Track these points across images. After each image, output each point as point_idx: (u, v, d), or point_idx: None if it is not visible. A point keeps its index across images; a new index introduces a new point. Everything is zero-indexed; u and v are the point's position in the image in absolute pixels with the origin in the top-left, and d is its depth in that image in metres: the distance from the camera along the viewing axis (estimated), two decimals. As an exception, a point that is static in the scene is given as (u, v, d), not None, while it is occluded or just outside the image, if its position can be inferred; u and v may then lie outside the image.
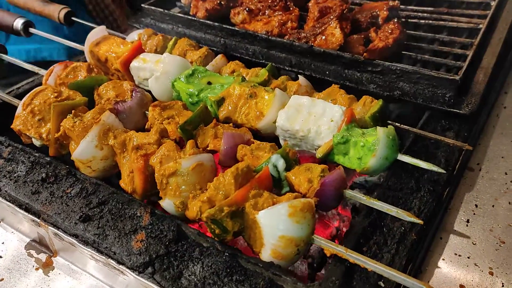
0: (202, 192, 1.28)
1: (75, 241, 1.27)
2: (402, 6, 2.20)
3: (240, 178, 1.23)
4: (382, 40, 1.80)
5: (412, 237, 1.21)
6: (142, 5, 2.28)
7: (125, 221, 1.27)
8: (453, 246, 1.36)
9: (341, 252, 1.12)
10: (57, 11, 2.31)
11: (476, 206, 1.49)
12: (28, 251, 1.43)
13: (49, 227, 1.31)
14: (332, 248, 1.14)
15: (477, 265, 1.31)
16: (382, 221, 1.26)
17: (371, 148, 1.38)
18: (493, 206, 1.48)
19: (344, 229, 1.68)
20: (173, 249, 1.20)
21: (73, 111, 1.50)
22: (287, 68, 1.90)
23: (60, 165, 1.46)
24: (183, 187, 1.28)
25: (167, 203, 1.30)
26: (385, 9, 2.00)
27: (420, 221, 1.19)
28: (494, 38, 2.00)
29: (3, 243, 1.46)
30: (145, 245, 1.21)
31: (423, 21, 2.14)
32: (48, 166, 1.47)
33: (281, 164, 1.34)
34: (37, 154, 1.51)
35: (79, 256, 1.33)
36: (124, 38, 2.15)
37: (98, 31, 1.99)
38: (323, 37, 1.90)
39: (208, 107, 1.64)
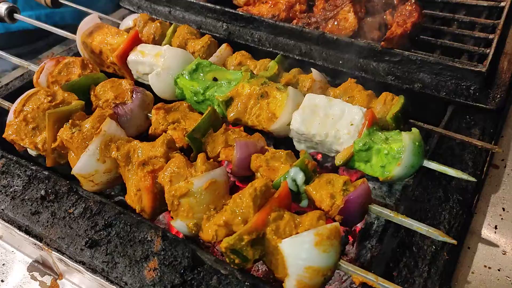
0: (216, 212, 1.18)
1: (82, 268, 1.18)
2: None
3: (258, 199, 1.13)
4: (399, 26, 1.66)
5: (445, 257, 1.14)
6: (135, -15, 2.10)
7: (135, 246, 1.18)
8: (482, 256, 1.29)
9: (371, 281, 1.05)
10: (43, -7, 2.13)
11: (504, 209, 1.41)
12: (31, 274, 1.35)
13: (53, 252, 1.22)
14: (362, 276, 1.06)
15: (509, 278, 1.24)
16: (411, 238, 1.18)
17: (396, 156, 1.28)
18: (521, 209, 1.40)
19: (359, 225, 1.61)
20: (189, 278, 1.12)
21: (70, 120, 1.38)
22: (297, 57, 1.77)
23: (60, 180, 1.35)
24: (196, 208, 1.18)
25: (180, 224, 1.20)
26: (400, -13, 1.85)
27: (453, 241, 1.11)
28: (517, 17, 1.86)
29: (3, 264, 1.38)
30: (159, 274, 1.12)
31: (440, -2, 1.99)
32: (47, 181, 1.36)
33: (300, 178, 1.24)
34: (33, 168, 1.40)
35: (87, 280, 1.24)
36: (118, 24, 1.99)
37: (90, 20, 1.83)
38: (335, 22, 1.76)
39: (215, 107, 1.52)
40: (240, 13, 1.87)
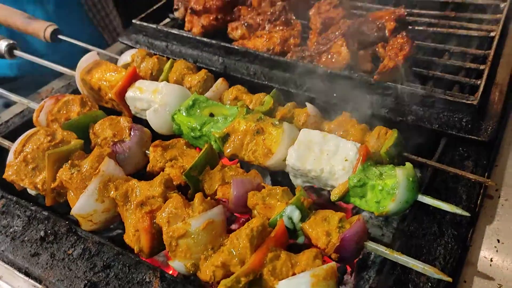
0: (214, 251, 1.20)
1: (81, 311, 1.19)
2: (407, 10, 2.08)
3: (255, 240, 1.15)
4: (391, 59, 1.70)
5: (440, 295, 1.15)
6: (133, 20, 2.14)
7: (134, 288, 1.19)
8: (478, 291, 1.30)
9: (368, 321, 1.06)
10: (43, 30, 2.17)
11: (499, 241, 1.42)
12: (32, 316, 1.35)
13: (53, 295, 1.23)
14: (358, 316, 1.07)
15: (505, 313, 1.25)
16: (408, 275, 1.19)
17: (391, 192, 1.30)
18: (516, 240, 1.42)
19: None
20: (187, 320, 1.13)
21: (69, 161, 1.40)
22: (292, 90, 1.80)
23: (59, 221, 1.36)
24: (194, 248, 1.20)
25: (177, 264, 1.22)
26: (392, 20, 1.89)
27: (449, 279, 1.13)
28: (507, 46, 1.90)
29: (4, 306, 1.38)
30: (158, 316, 1.13)
31: (431, 28, 2.03)
32: (46, 222, 1.37)
33: (296, 215, 1.26)
34: (33, 208, 1.42)
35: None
36: (116, 59, 2.03)
37: (89, 57, 1.87)
38: (329, 56, 1.79)
39: (212, 142, 1.55)
40: (236, 47, 1.91)
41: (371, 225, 1.70)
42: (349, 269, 1.65)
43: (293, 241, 1.32)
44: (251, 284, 1.10)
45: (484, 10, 2.11)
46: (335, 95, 1.74)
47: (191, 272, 1.21)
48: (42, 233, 1.34)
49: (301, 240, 1.30)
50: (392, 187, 1.30)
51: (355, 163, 1.38)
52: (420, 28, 2.04)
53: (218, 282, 1.14)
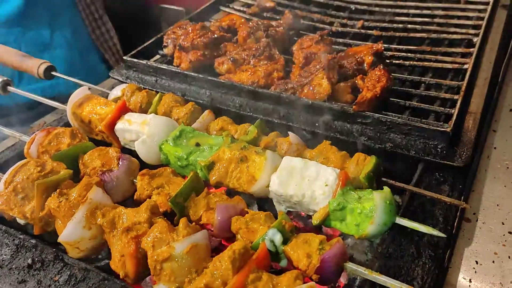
0: (198, 275, 1.23)
1: (66, 337, 1.21)
2: (385, 45, 2.19)
3: (237, 262, 1.19)
4: (369, 90, 1.78)
5: (419, 314, 1.18)
6: (124, 57, 2.23)
7: (119, 313, 1.21)
8: (458, 311, 1.33)
9: None
10: (36, 67, 2.24)
11: (477, 262, 1.46)
12: None
13: (38, 322, 1.24)
14: (338, 334, 1.10)
15: (485, 333, 1.28)
16: (386, 296, 1.22)
17: (369, 215, 1.35)
18: (493, 261, 1.45)
19: (343, 280, 1.64)
20: None
21: (58, 190, 1.44)
22: (276, 121, 1.87)
23: (46, 249, 1.39)
24: (178, 271, 1.23)
25: (162, 289, 1.25)
26: (370, 54, 1.99)
27: (425, 298, 1.16)
28: (480, 78, 2.01)
29: (-11, 335, 1.39)
30: None
31: (407, 62, 2.14)
32: (34, 249, 1.40)
33: (278, 238, 1.30)
34: (21, 237, 1.45)
35: None
36: (107, 94, 2.10)
37: (80, 92, 1.94)
38: (311, 88, 1.88)
39: (198, 171, 1.60)
40: (222, 80, 2.00)
41: (357, 250, 1.74)
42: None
43: (275, 266, 1.35)
44: (233, 305, 1.13)
45: (459, 45, 2.23)
46: (317, 124, 1.81)
47: (175, 296, 1.24)
48: (29, 261, 1.36)
49: (283, 263, 1.34)
50: (370, 210, 1.35)
51: (335, 187, 1.43)
52: (398, 62, 2.15)
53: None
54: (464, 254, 1.48)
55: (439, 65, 2.08)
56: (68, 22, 3.17)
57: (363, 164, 1.54)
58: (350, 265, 1.26)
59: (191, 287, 1.20)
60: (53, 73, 2.25)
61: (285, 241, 1.32)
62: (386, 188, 1.41)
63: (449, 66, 2.06)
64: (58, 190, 1.45)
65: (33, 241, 1.43)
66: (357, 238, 1.39)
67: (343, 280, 1.65)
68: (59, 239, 1.39)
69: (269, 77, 1.99)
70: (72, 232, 1.37)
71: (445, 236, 1.33)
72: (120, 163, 1.60)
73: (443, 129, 1.61)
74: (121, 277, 1.32)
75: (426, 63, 2.10)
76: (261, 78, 1.99)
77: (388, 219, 1.35)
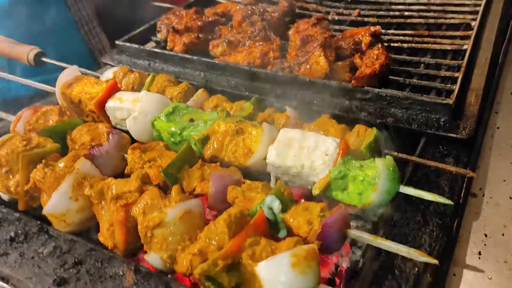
0: (191, 243, 1.15)
1: (49, 310, 1.12)
2: (383, 31, 2.15)
3: (233, 225, 1.11)
4: (368, 66, 1.73)
5: (428, 279, 1.10)
6: (116, 41, 2.17)
7: (106, 283, 1.12)
8: (468, 283, 1.25)
9: (352, 304, 1.00)
10: (26, 53, 2.19)
11: (486, 235, 1.39)
12: (-4, 323, 1.26)
13: (20, 295, 1.15)
14: (342, 299, 1.02)
15: (496, 304, 1.20)
16: (393, 261, 1.15)
17: (372, 182, 1.28)
18: (503, 234, 1.39)
19: (344, 265, 1.56)
20: (164, 312, 1.06)
21: (43, 161, 1.37)
22: (272, 100, 1.81)
23: (30, 221, 1.31)
24: (170, 239, 1.15)
25: (153, 258, 1.16)
26: (367, 35, 1.95)
27: (435, 261, 1.09)
28: (480, 58, 1.96)
29: (-33, 314, 1.29)
30: (131, 309, 1.06)
31: (406, 44, 2.10)
32: (17, 223, 1.32)
33: (276, 205, 1.23)
34: (4, 210, 1.36)
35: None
36: (98, 77, 2.04)
37: (70, 72, 1.88)
38: (308, 66, 1.82)
39: (192, 146, 1.53)
40: (217, 61, 1.94)
41: (359, 220, 1.66)
42: (337, 281, 1.59)
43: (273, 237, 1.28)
44: (230, 269, 1.05)
45: (457, 28, 2.19)
46: (315, 102, 1.76)
47: (168, 265, 1.15)
48: (12, 234, 1.28)
49: (283, 233, 1.26)
50: (373, 177, 1.28)
51: (335, 157, 1.37)
52: (396, 45, 2.11)
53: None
54: (472, 228, 1.41)
55: (438, 46, 2.03)
56: (57, 18, 3.11)
57: (363, 136, 1.47)
58: (353, 232, 1.19)
59: (185, 254, 1.12)
60: (44, 59, 2.19)
61: (284, 209, 1.24)
62: (388, 157, 1.35)
63: (448, 47, 2.02)
64: (43, 161, 1.37)
65: (17, 214, 1.34)
66: (360, 208, 1.31)
67: (344, 264, 1.58)
68: (44, 211, 1.31)
69: (265, 57, 1.94)
70: (57, 203, 1.29)
71: (452, 203, 1.26)
72: (110, 137, 1.53)
73: (445, 102, 1.56)
74: (109, 248, 1.23)
75: (425, 45, 2.06)
76: (256, 59, 1.93)
77: (392, 187, 1.28)
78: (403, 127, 1.60)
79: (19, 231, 1.29)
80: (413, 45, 2.08)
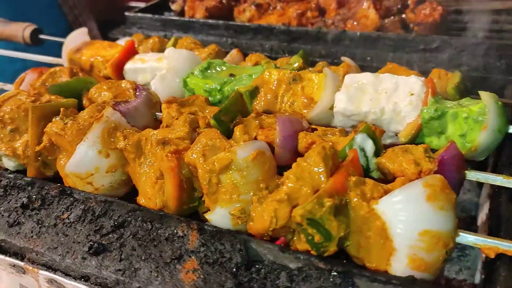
0: (269, 192, 0.87)
1: (84, 287, 0.81)
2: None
3: (330, 160, 0.84)
4: (428, 16, 1.52)
5: None
6: (126, 13, 1.92)
7: (162, 246, 0.83)
8: None
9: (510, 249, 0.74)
10: (21, 31, 1.91)
11: None
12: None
13: (40, 271, 0.85)
14: (496, 245, 0.75)
15: None
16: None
17: (478, 120, 1.03)
18: None
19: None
20: (246, 278, 0.77)
21: (62, 109, 1.08)
22: (318, 60, 1.57)
23: (47, 184, 1.01)
24: (242, 186, 0.86)
25: (219, 215, 0.87)
26: (414, -9, 1.74)
27: None
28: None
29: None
30: (202, 276, 0.77)
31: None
32: (30, 188, 1.01)
33: (369, 146, 0.97)
34: (11, 176, 1.06)
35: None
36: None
37: (78, 35, 1.61)
38: (354, 22, 1.60)
39: (239, 100, 1.26)
40: (248, 24, 1.70)
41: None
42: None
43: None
44: (338, 211, 0.77)
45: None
46: (368, 58, 1.52)
47: (240, 223, 0.87)
48: (25, 200, 0.97)
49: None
50: (479, 113, 1.03)
51: (424, 96, 1.12)
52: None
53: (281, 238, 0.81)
54: None
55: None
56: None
57: (446, 78, 1.24)
58: (473, 173, 0.93)
59: (265, 204, 0.83)
60: (42, 36, 1.91)
61: (377, 152, 0.98)
62: (489, 92, 1.10)
63: None
64: (62, 112, 1.08)
65: (28, 178, 1.04)
66: (464, 154, 1.05)
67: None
68: (66, 170, 1.01)
69: (302, 17, 1.71)
70: (83, 159, 1.00)
71: None
72: (138, 93, 1.25)
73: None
74: (157, 207, 0.94)
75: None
76: (293, 19, 1.71)
77: (503, 124, 1.04)
78: (481, 76, 1.37)
79: (33, 196, 0.98)
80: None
